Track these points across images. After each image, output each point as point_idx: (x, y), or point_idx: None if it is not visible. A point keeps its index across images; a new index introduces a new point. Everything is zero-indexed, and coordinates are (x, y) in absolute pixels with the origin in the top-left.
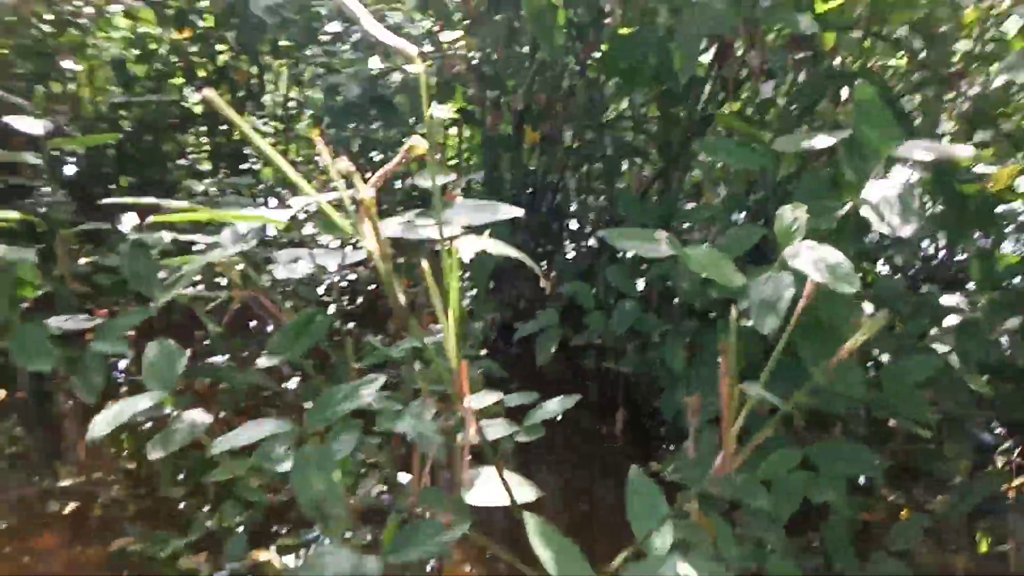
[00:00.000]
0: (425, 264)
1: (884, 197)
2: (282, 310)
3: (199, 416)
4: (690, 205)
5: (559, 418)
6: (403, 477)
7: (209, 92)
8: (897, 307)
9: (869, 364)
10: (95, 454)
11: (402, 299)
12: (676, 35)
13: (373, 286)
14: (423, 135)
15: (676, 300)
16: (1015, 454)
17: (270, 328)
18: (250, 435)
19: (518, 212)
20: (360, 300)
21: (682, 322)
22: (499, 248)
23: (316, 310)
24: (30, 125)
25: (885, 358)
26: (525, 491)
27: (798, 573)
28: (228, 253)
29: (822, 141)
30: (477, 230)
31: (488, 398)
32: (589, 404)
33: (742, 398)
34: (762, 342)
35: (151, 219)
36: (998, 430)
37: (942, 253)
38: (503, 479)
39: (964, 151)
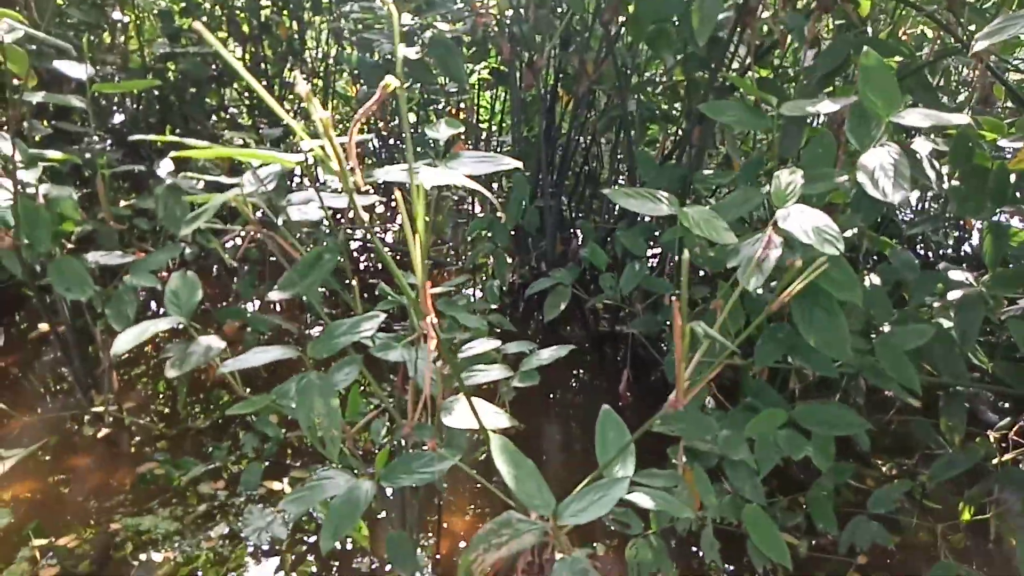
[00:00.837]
0: (398, 194)
1: (880, 164)
2: (294, 248)
3: (214, 342)
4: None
5: (572, 378)
6: None
7: (198, 24)
8: (906, 279)
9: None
10: (128, 386)
11: (364, 216)
12: None
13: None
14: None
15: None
16: (1012, 431)
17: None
18: (257, 359)
19: (517, 164)
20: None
21: (693, 286)
22: (458, 180)
23: (325, 247)
24: (75, 69)
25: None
26: (499, 419)
27: (772, 523)
28: (246, 192)
29: (827, 107)
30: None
31: (486, 345)
32: (603, 366)
33: (696, 340)
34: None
35: (172, 154)
36: (1006, 406)
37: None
38: (471, 404)
39: (959, 119)
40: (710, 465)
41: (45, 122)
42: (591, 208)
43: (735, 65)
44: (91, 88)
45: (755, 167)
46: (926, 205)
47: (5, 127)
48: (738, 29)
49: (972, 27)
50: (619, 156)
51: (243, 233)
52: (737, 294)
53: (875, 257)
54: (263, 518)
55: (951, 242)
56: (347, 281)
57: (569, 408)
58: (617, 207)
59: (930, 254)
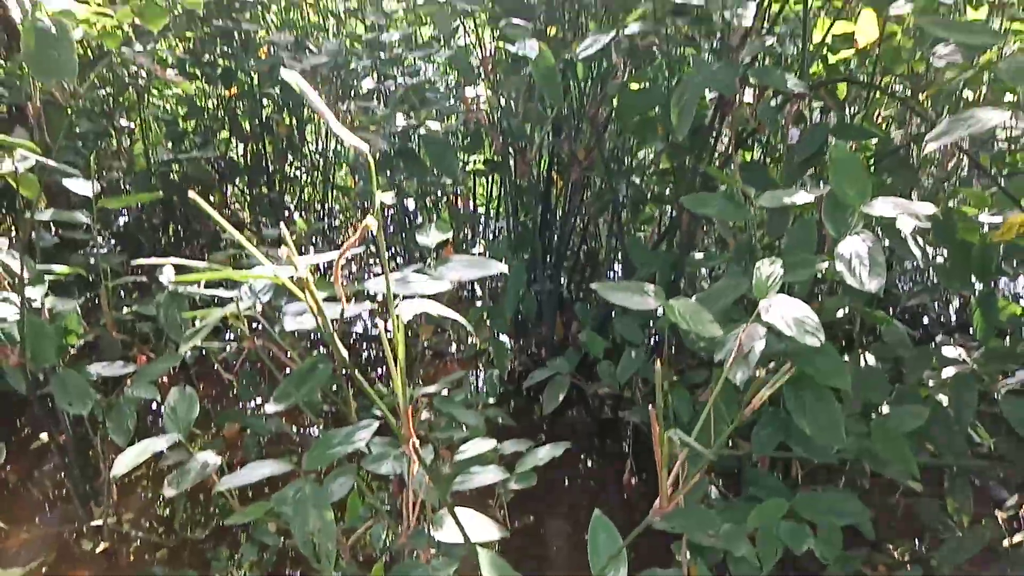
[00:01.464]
0: (380, 323)
1: (855, 252)
2: (291, 358)
3: (210, 457)
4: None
5: (576, 467)
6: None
7: (193, 194)
8: (901, 356)
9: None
10: (126, 496)
11: (345, 355)
12: (674, 93)
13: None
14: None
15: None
16: (1022, 509)
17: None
18: (252, 475)
19: (502, 268)
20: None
21: (689, 373)
22: (438, 310)
23: (318, 357)
24: (82, 187)
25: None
26: (489, 530)
27: None
28: (243, 307)
29: (802, 197)
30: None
31: (483, 445)
32: (604, 452)
33: (675, 445)
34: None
35: (175, 278)
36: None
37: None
38: (455, 519)
39: (926, 208)
40: (716, 560)
41: (50, 230)
42: (589, 286)
43: (721, 146)
44: (97, 203)
45: (745, 249)
46: (928, 273)
47: (13, 241)
48: (718, 117)
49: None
50: (615, 237)
51: (241, 346)
52: (722, 383)
53: (871, 333)
54: None
55: (952, 310)
56: (338, 387)
57: (573, 498)
58: None
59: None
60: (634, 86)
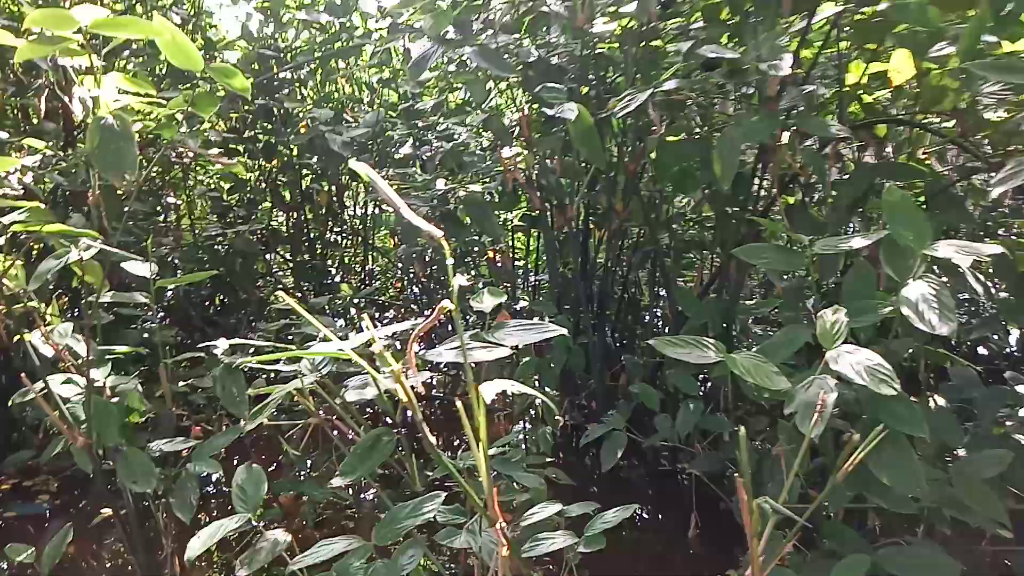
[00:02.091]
0: (460, 404)
1: (922, 295)
2: (353, 430)
3: (280, 535)
4: (751, 301)
5: (637, 520)
6: None
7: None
8: (970, 396)
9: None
10: (192, 568)
11: (431, 439)
12: (716, 145)
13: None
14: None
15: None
16: None
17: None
18: (325, 552)
19: (562, 331)
20: (436, 405)
21: (750, 420)
22: (521, 389)
23: (381, 430)
24: (140, 268)
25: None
26: None
27: None
28: (306, 383)
29: (859, 243)
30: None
31: (549, 509)
32: (666, 506)
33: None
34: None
35: (239, 361)
36: None
37: None
38: None
39: (992, 249)
40: None
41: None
42: (635, 334)
43: (762, 192)
44: (154, 285)
45: (797, 293)
46: (982, 305)
47: (77, 322)
48: (760, 164)
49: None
50: (657, 286)
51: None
52: (745, 450)
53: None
54: None
55: (1014, 341)
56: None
57: (636, 554)
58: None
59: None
60: (670, 138)
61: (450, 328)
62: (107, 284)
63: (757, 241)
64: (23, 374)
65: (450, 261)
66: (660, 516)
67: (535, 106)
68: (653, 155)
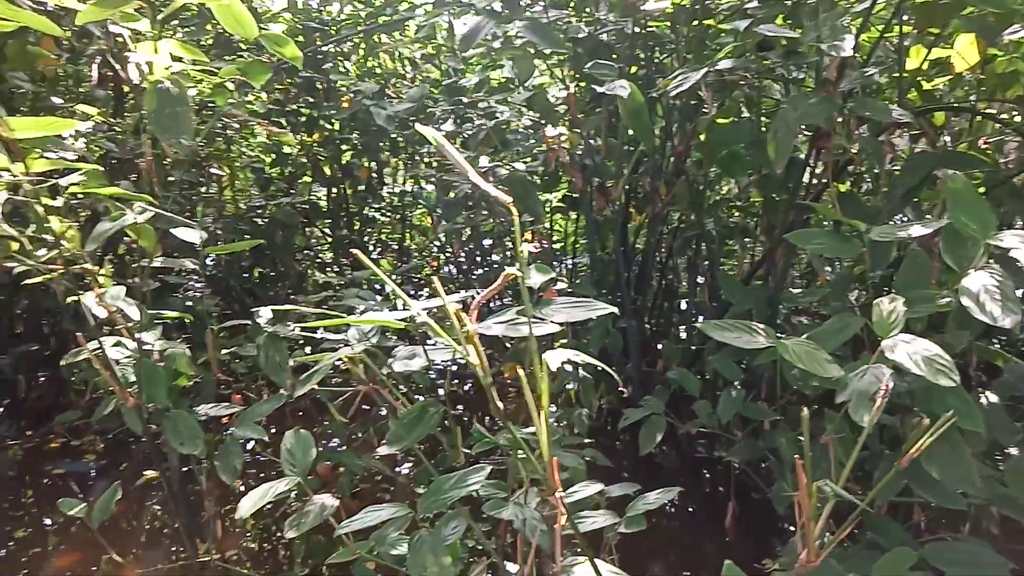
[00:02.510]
0: (521, 372)
1: (984, 286)
2: (398, 400)
3: (328, 500)
4: (797, 290)
5: (669, 507)
6: (510, 567)
7: (356, 251)
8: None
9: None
10: (228, 532)
11: (499, 404)
12: (771, 127)
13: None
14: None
15: (778, 387)
16: None
17: (382, 412)
18: (371, 518)
19: (612, 309)
20: (471, 384)
21: (791, 409)
22: (584, 359)
23: (428, 401)
24: (190, 235)
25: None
26: None
27: None
28: (356, 350)
29: (918, 231)
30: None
31: (589, 489)
32: (700, 493)
33: (823, 494)
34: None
35: (292, 326)
36: None
37: None
38: (596, 570)
39: None
40: None
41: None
42: (671, 322)
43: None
44: (203, 251)
45: (845, 284)
46: None
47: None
48: (813, 149)
49: None
50: (697, 272)
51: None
52: (807, 429)
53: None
54: None
55: None
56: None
57: (672, 542)
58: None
59: None
60: (720, 120)
61: (490, 305)
62: (159, 249)
63: (805, 228)
64: (79, 334)
65: (517, 227)
66: (693, 504)
67: (581, 84)
68: (702, 137)
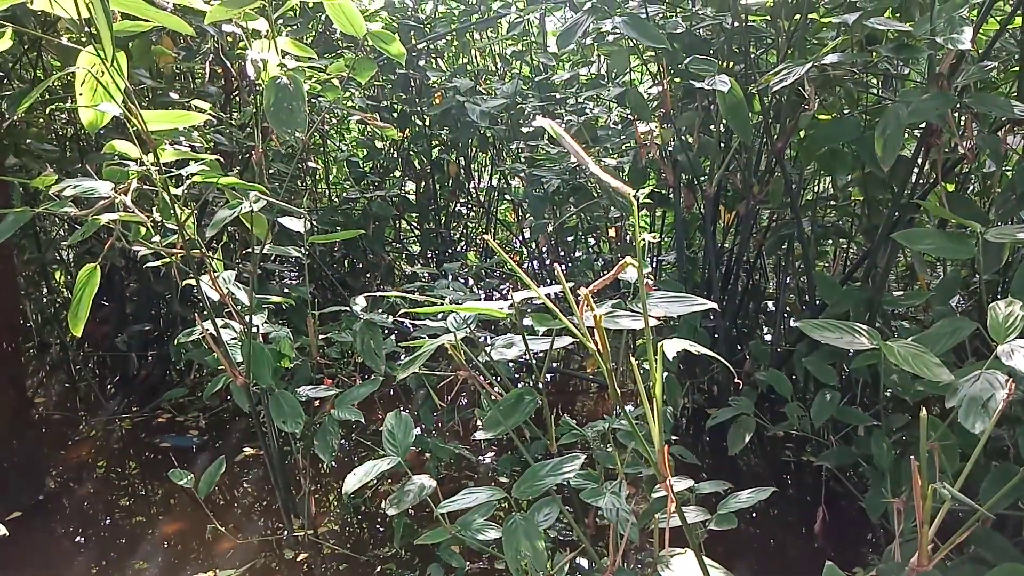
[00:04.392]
0: (633, 360)
1: None
2: (494, 387)
3: (427, 480)
4: (898, 292)
5: (753, 511)
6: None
7: (487, 237)
8: None
9: None
10: (321, 508)
11: (618, 392)
12: (879, 124)
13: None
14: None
15: (883, 392)
16: None
17: (462, 403)
18: (469, 500)
19: (711, 305)
20: (548, 379)
21: (889, 415)
22: (700, 350)
23: (524, 390)
24: (296, 224)
25: None
26: (718, 574)
27: None
28: (459, 336)
29: None
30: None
31: (680, 484)
32: (786, 498)
33: (939, 498)
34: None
35: (388, 316)
36: None
37: None
38: (702, 563)
39: None
40: None
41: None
42: (757, 323)
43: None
44: (307, 240)
45: (951, 287)
46: None
47: (240, 274)
48: (923, 148)
49: None
50: (787, 274)
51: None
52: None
53: None
54: None
55: None
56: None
57: (758, 548)
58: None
59: None
60: (822, 116)
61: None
62: (270, 236)
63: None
64: (197, 315)
65: (636, 217)
66: (779, 508)
67: (675, 80)
68: (802, 134)
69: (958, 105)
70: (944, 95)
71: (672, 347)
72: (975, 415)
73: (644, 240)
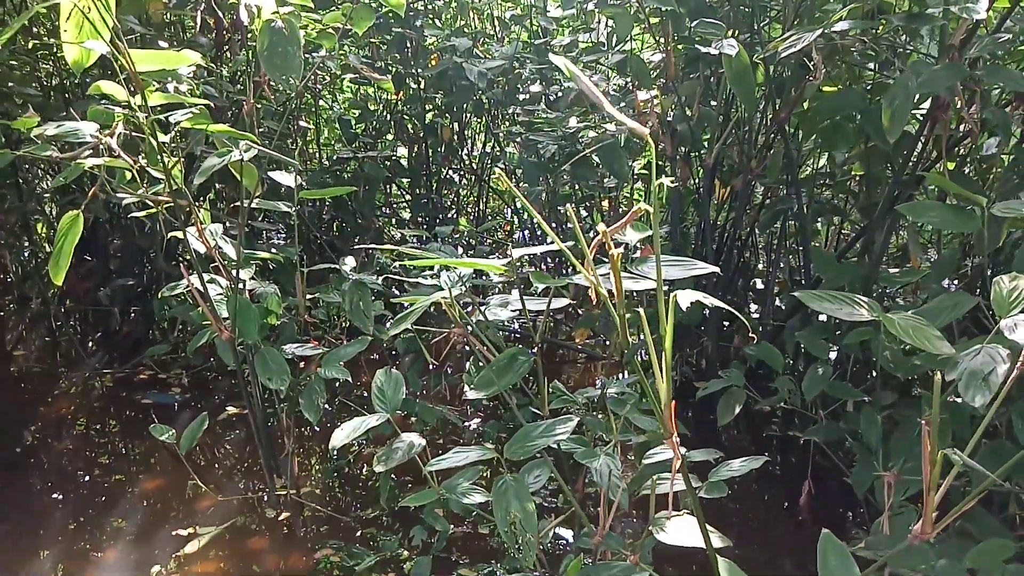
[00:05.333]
0: (642, 312)
1: None
2: (485, 347)
3: (416, 439)
4: (893, 270)
5: (737, 485)
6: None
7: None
8: None
9: None
10: (304, 469)
11: (628, 337)
12: (886, 94)
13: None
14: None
15: (874, 369)
16: None
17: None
18: (458, 459)
19: (713, 269)
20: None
21: (879, 392)
22: (713, 302)
23: (517, 349)
24: (286, 178)
25: None
26: (714, 538)
27: None
28: (455, 294)
29: None
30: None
31: (670, 452)
32: (772, 473)
33: (946, 466)
34: (971, 422)
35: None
36: None
37: None
38: (702, 524)
39: None
40: None
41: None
42: (746, 300)
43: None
44: (299, 194)
45: (948, 264)
46: None
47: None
48: (928, 122)
49: None
50: (779, 251)
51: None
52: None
53: None
54: None
55: None
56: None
57: (742, 522)
58: (781, 303)
59: None
60: (826, 88)
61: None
62: (259, 189)
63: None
64: (183, 267)
65: (654, 163)
66: (764, 483)
67: (678, 47)
68: (805, 105)
69: (971, 78)
70: (956, 66)
71: (685, 298)
72: (975, 388)
73: (662, 182)
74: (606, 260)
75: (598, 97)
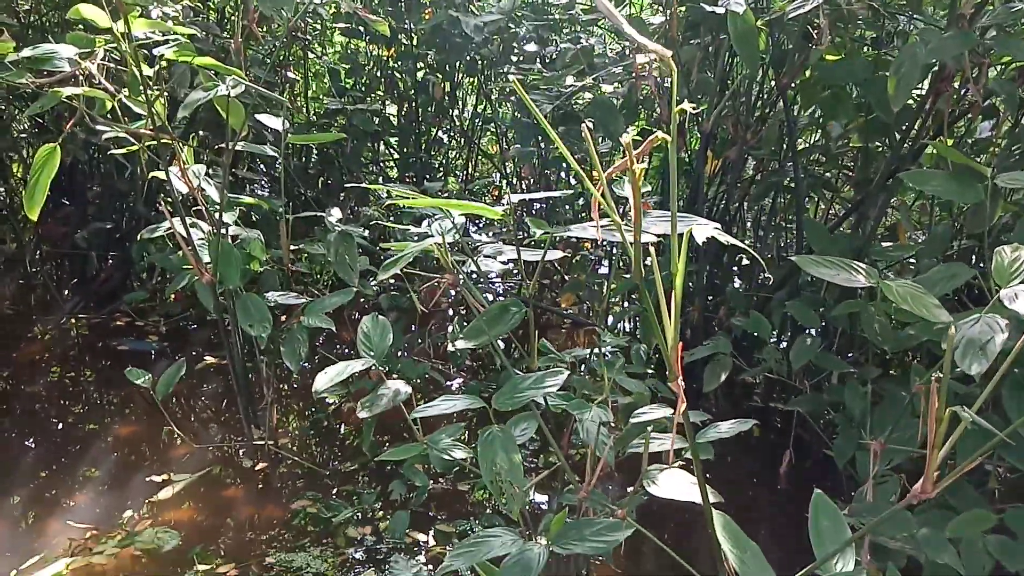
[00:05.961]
0: (652, 251)
1: None
2: (477, 299)
3: (402, 385)
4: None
5: (718, 453)
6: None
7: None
8: None
9: None
10: (282, 423)
11: (642, 271)
12: (894, 62)
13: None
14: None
15: (857, 347)
16: None
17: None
18: (446, 406)
19: (714, 225)
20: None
21: (865, 366)
22: (729, 240)
23: (511, 300)
24: (274, 122)
25: None
26: (711, 494)
27: None
28: (447, 241)
29: None
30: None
31: (659, 412)
32: (751, 444)
33: (952, 423)
34: (955, 399)
35: (407, 201)
36: None
37: None
38: (699, 476)
39: None
40: (900, 565)
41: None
42: (730, 277)
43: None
44: (286, 139)
45: (943, 238)
46: None
47: (210, 171)
48: (932, 94)
49: None
50: (768, 223)
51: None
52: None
53: None
54: (408, 570)
55: None
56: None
57: (720, 486)
58: (766, 275)
59: None
60: (829, 56)
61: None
62: (246, 129)
63: None
64: (166, 209)
65: (675, 82)
66: (744, 453)
67: (682, 9)
68: (807, 74)
69: (980, 49)
70: (966, 35)
71: (701, 233)
72: (972, 356)
73: (683, 109)
74: (606, 215)
75: (616, 17)
